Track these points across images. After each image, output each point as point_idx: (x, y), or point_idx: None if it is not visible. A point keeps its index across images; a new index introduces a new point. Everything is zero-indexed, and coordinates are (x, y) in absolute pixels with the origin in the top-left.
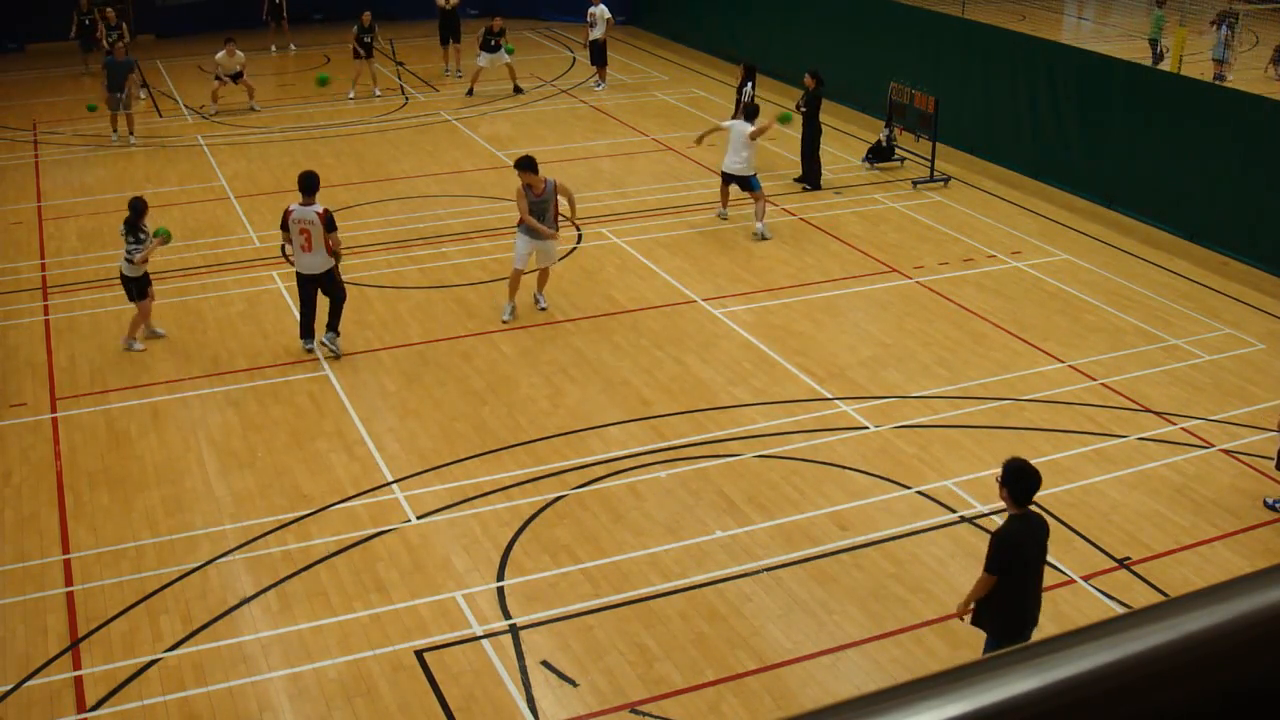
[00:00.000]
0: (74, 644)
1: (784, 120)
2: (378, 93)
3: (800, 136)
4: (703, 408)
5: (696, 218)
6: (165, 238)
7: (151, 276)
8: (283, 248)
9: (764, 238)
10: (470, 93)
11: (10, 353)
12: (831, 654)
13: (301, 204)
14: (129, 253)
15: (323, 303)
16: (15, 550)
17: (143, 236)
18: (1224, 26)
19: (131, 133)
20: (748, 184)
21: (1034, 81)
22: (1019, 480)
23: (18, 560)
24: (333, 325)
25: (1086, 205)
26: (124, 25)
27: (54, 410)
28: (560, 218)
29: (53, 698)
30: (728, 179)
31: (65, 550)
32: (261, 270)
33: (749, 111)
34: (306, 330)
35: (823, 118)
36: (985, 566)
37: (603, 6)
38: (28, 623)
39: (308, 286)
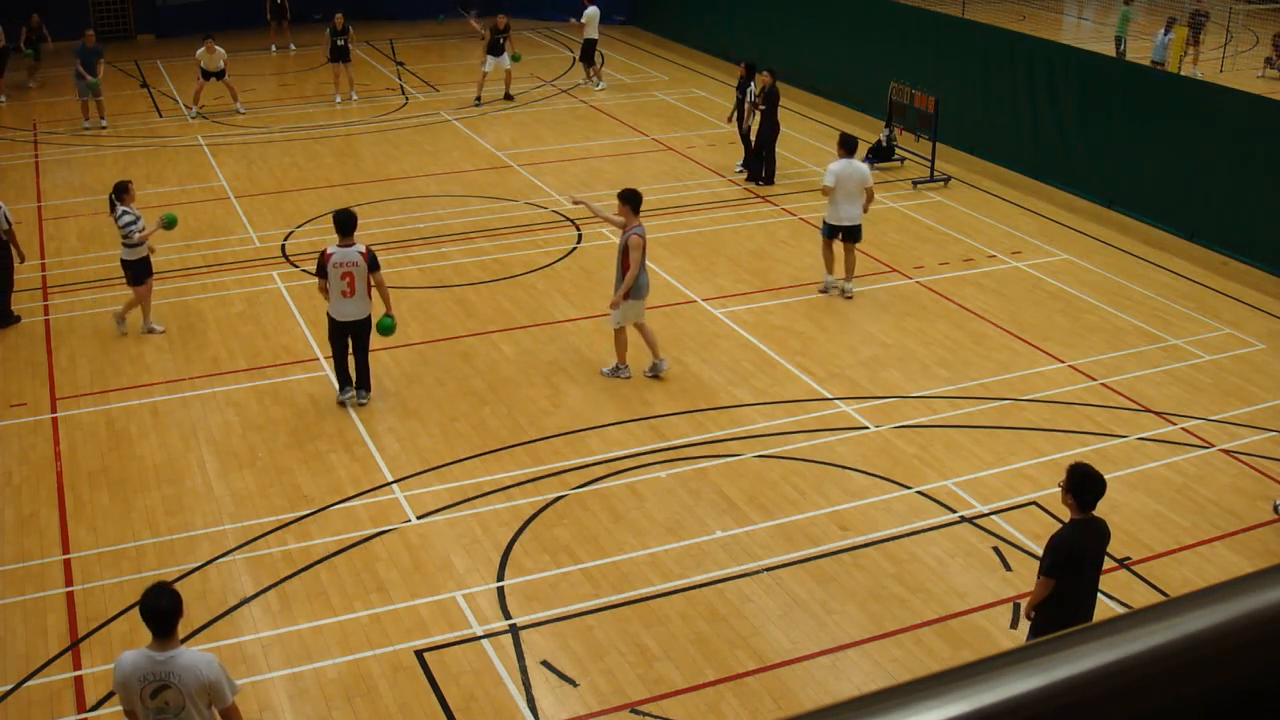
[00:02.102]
0: (74, 644)
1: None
2: (354, 96)
3: (757, 132)
4: (703, 408)
5: (696, 218)
6: (169, 223)
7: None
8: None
9: (849, 295)
10: (478, 101)
11: (10, 353)
12: (831, 654)
13: (340, 245)
14: (124, 235)
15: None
16: (15, 550)
17: (126, 216)
18: (1168, 32)
19: (103, 117)
20: (858, 235)
21: (1034, 81)
22: (1083, 486)
23: (18, 560)
24: (364, 384)
25: (1086, 205)
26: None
27: (54, 410)
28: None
29: (53, 698)
30: (837, 233)
31: (65, 550)
32: (261, 270)
33: (846, 142)
34: (344, 376)
35: (823, 118)
36: (1041, 570)
37: (592, 8)
38: (28, 623)
39: (342, 335)
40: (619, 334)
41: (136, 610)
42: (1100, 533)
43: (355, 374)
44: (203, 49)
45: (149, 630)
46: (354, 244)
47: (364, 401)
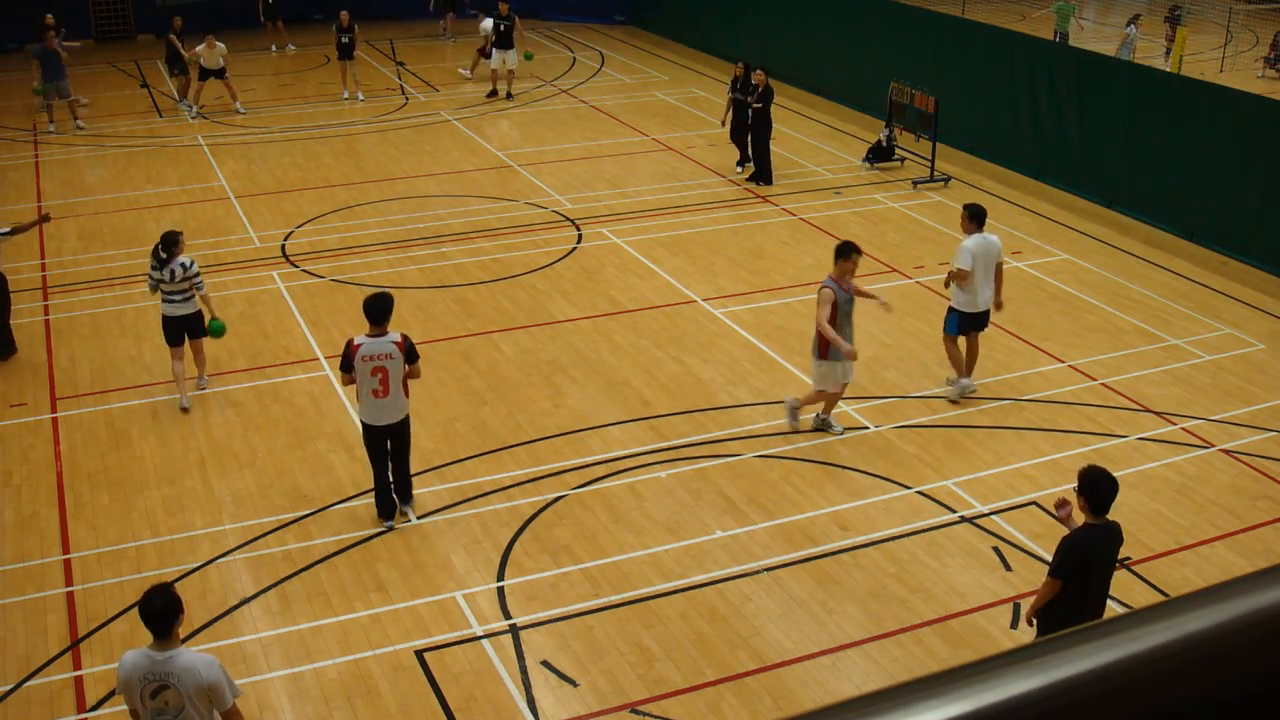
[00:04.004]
0: (74, 644)
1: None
2: (360, 97)
3: (751, 134)
4: (703, 408)
5: (696, 218)
6: (218, 332)
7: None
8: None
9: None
10: (494, 93)
11: None
12: (831, 654)
13: (371, 335)
14: (191, 288)
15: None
16: (15, 550)
17: (195, 267)
18: (1130, 26)
19: (77, 118)
20: (987, 322)
21: (1034, 81)
22: (1096, 489)
23: (18, 560)
24: (403, 493)
25: (1086, 205)
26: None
27: (54, 410)
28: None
29: (53, 698)
30: (974, 323)
31: (65, 550)
32: (261, 270)
33: (977, 214)
34: (385, 504)
35: (823, 118)
36: (1050, 571)
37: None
38: (28, 623)
39: (379, 441)
40: (820, 395)
41: (136, 610)
42: (1112, 536)
43: (394, 480)
44: (203, 45)
45: (148, 631)
46: (387, 333)
47: (405, 513)
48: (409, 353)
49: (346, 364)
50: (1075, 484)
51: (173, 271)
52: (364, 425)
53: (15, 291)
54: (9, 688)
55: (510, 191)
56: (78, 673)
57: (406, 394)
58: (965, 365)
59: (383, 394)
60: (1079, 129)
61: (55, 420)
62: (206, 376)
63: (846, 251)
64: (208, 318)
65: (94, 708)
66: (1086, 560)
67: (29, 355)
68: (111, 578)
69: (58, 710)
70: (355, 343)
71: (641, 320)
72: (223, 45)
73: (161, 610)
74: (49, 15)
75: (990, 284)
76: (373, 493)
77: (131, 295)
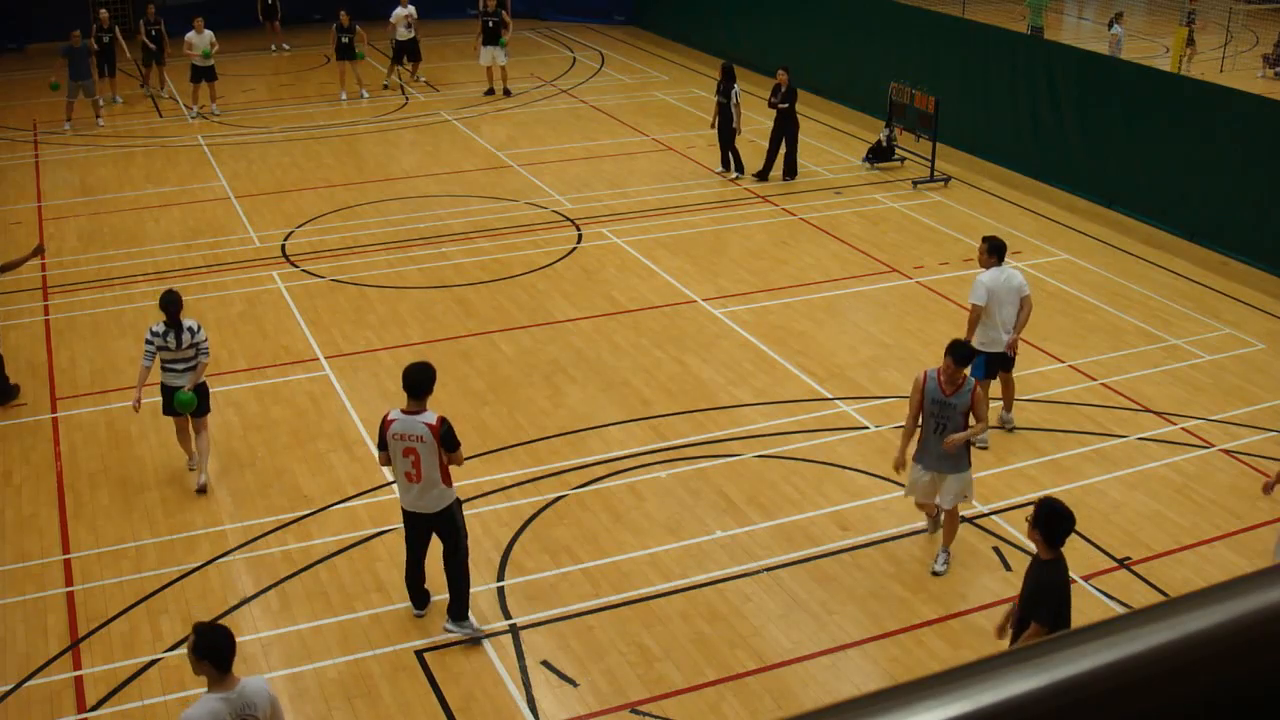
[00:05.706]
0: (74, 644)
1: None
2: (364, 95)
3: (783, 134)
4: (703, 408)
5: (696, 218)
6: (188, 404)
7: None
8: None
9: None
10: (491, 91)
11: (10, 353)
12: (831, 654)
13: (406, 411)
14: (199, 358)
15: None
16: (15, 550)
17: (204, 333)
18: (1115, 26)
19: (99, 117)
20: (1012, 361)
21: (1034, 81)
22: (1053, 523)
23: (18, 560)
24: (456, 610)
25: (1086, 205)
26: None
27: (54, 410)
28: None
29: (53, 698)
30: (1001, 363)
31: (65, 550)
32: (261, 270)
33: (996, 247)
34: (417, 593)
35: (823, 118)
36: (1041, 623)
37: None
38: (28, 623)
39: (418, 531)
40: (932, 508)
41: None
42: (1066, 569)
43: (449, 590)
44: (192, 31)
45: (212, 668)
46: (423, 410)
47: (451, 630)
48: (445, 439)
49: (381, 441)
50: (1029, 514)
51: (179, 337)
52: (403, 511)
53: (15, 291)
54: (9, 688)
55: (510, 191)
56: (78, 673)
57: (448, 482)
58: (1005, 399)
59: (415, 478)
60: (1079, 129)
61: (55, 420)
62: (206, 474)
63: (947, 350)
64: (192, 383)
65: (94, 708)
66: (1066, 595)
67: (29, 355)
68: (111, 578)
69: (58, 710)
70: (389, 417)
71: (641, 320)
72: (210, 33)
73: (227, 644)
74: (104, 10)
75: (1011, 323)
76: (409, 591)
77: (131, 295)
